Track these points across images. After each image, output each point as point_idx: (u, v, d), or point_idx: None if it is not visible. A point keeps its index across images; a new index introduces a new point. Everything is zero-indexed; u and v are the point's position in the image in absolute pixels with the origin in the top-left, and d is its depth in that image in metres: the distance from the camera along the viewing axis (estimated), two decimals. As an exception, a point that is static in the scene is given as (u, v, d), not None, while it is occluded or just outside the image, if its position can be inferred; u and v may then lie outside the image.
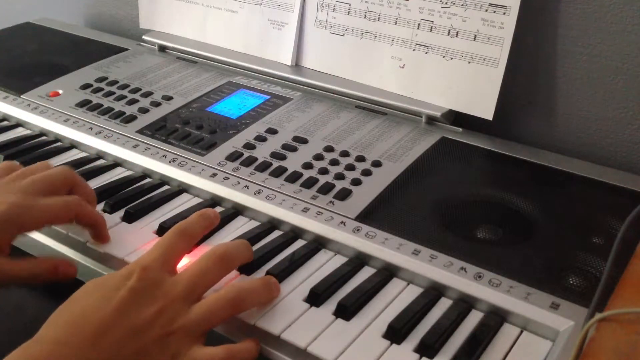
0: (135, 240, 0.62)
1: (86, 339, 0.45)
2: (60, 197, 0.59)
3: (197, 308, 0.49)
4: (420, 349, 0.50)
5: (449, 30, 0.78)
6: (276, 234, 0.64)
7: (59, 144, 0.80)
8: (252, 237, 0.62)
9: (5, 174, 0.61)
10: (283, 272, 0.57)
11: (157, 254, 0.52)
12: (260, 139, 0.76)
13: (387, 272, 0.58)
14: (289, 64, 0.91)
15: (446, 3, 0.77)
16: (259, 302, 0.53)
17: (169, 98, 0.86)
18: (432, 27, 0.79)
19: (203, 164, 0.72)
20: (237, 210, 0.67)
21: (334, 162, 0.71)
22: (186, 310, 0.49)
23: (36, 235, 0.64)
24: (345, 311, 0.53)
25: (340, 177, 0.68)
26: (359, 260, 0.60)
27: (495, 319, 0.53)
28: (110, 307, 0.47)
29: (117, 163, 0.75)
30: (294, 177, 0.68)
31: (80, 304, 0.48)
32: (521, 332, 0.52)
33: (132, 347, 0.46)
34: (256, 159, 0.72)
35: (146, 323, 0.47)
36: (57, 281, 0.58)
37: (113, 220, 0.65)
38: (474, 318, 0.53)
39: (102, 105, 0.84)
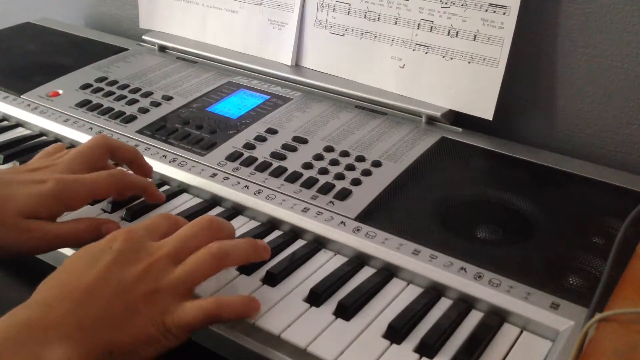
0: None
1: (74, 300, 0.46)
2: (104, 171, 0.61)
3: (181, 266, 0.50)
4: (420, 349, 0.50)
5: (449, 30, 0.78)
6: (276, 234, 0.64)
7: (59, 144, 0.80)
8: (252, 237, 0.62)
9: (47, 154, 0.64)
10: (283, 272, 0.57)
11: (142, 224, 0.54)
12: (260, 139, 0.76)
13: (387, 272, 0.58)
14: (289, 64, 0.91)
15: (446, 3, 0.77)
16: (243, 258, 0.54)
17: (169, 98, 0.86)
18: (432, 27, 0.79)
19: (203, 164, 0.72)
20: (237, 210, 0.67)
21: (334, 162, 0.71)
22: (171, 270, 0.50)
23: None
24: (345, 311, 0.53)
25: (340, 177, 0.68)
26: (359, 260, 0.60)
27: (495, 319, 0.53)
28: (97, 269, 0.48)
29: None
30: (294, 177, 0.68)
31: (67, 269, 0.49)
32: (521, 332, 0.52)
33: (120, 305, 0.47)
34: (256, 159, 0.72)
35: (132, 281, 0.48)
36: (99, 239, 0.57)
37: (113, 220, 0.64)
38: (474, 318, 0.53)
39: (102, 105, 0.84)
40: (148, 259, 0.49)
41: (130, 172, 0.65)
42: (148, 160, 0.73)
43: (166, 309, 0.48)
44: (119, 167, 0.63)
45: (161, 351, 0.48)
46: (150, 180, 0.66)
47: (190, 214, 0.65)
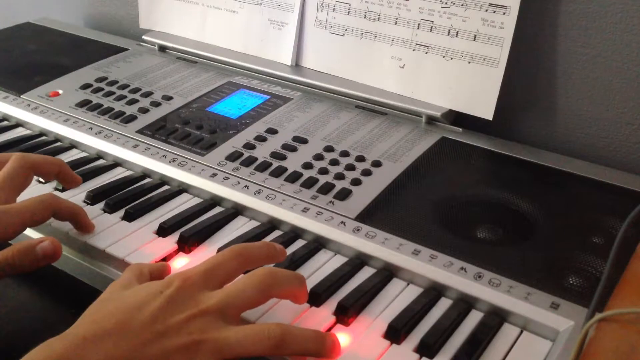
0: (136, 241, 0.62)
1: (110, 335, 0.44)
2: (34, 198, 0.58)
3: (231, 331, 0.46)
4: (420, 349, 0.50)
5: (449, 30, 0.78)
6: (276, 234, 0.64)
7: (59, 144, 0.80)
8: (252, 237, 0.62)
9: None
10: (283, 272, 0.57)
11: (203, 267, 0.50)
12: (260, 139, 0.76)
13: (387, 272, 0.58)
14: (289, 64, 0.91)
15: (446, 3, 0.77)
16: (290, 290, 0.51)
17: (169, 98, 0.86)
18: (432, 27, 0.79)
19: (203, 164, 0.72)
20: (237, 210, 0.67)
21: (334, 162, 0.71)
22: (218, 325, 0.47)
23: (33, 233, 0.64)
24: (345, 311, 0.53)
25: (340, 177, 0.68)
26: (359, 260, 0.60)
27: (495, 319, 0.53)
28: (143, 312, 0.46)
29: (117, 163, 0.75)
30: (294, 177, 0.68)
31: (113, 304, 0.47)
32: (521, 332, 0.52)
33: (155, 350, 0.44)
34: (256, 159, 0.72)
35: (173, 329, 0.45)
36: (40, 263, 0.55)
37: (113, 220, 0.65)
38: (474, 318, 0.53)
39: (102, 105, 0.84)
40: (195, 308, 0.47)
41: (62, 197, 0.62)
42: (148, 159, 0.73)
43: None
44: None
45: None
46: (82, 209, 0.63)
47: (192, 213, 0.65)
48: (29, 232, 0.62)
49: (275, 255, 0.55)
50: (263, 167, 0.70)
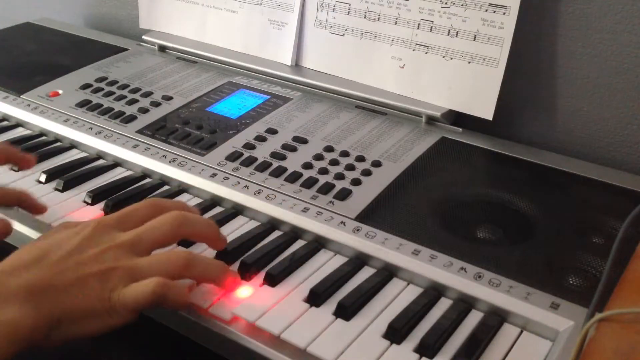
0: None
1: (30, 267, 0.49)
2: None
3: (142, 259, 0.51)
4: (420, 349, 0.50)
5: (449, 30, 0.78)
6: (276, 234, 0.64)
7: (58, 144, 0.80)
8: (252, 237, 0.62)
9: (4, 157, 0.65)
10: (283, 272, 0.57)
11: (118, 212, 0.55)
12: (260, 139, 0.76)
13: (387, 272, 0.58)
14: (289, 64, 0.91)
15: (446, 3, 0.77)
16: (200, 233, 0.56)
17: (169, 98, 0.86)
18: (432, 27, 0.79)
19: (203, 164, 0.72)
20: (237, 210, 0.67)
21: (334, 162, 0.71)
22: (131, 256, 0.51)
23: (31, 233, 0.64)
24: (345, 311, 0.53)
25: (340, 177, 0.68)
26: (359, 260, 0.60)
27: (495, 319, 0.53)
28: (57, 245, 0.51)
29: (117, 163, 0.75)
30: (294, 177, 0.68)
31: (33, 245, 0.52)
32: (521, 332, 0.52)
33: (72, 275, 0.49)
34: (256, 159, 0.72)
35: (89, 260, 0.50)
36: None
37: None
38: (474, 318, 0.53)
39: (102, 105, 0.84)
40: (108, 243, 0.51)
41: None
42: (148, 159, 0.73)
43: (115, 287, 0.49)
44: None
45: (105, 329, 0.49)
46: (27, 193, 0.65)
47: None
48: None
49: (187, 208, 0.59)
50: (263, 167, 0.70)
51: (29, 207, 0.64)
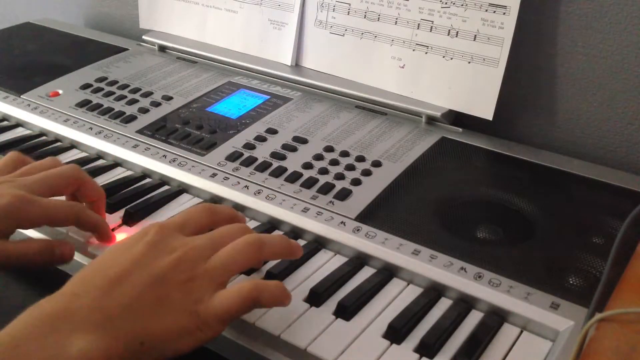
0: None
1: (102, 288, 0.44)
2: (66, 201, 0.59)
3: (217, 254, 0.49)
4: (420, 349, 0.50)
5: (449, 30, 0.78)
6: (276, 234, 0.63)
7: (59, 144, 0.80)
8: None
9: (13, 165, 0.62)
10: (283, 272, 0.57)
11: (177, 218, 0.53)
12: (260, 139, 0.76)
13: (387, 272, 0.58)
14: (289, 64, 0.91)
15: (446, 3, 0.77)
16: (278, 252, 0.53)
17: (169, 98, 0.86)
18: (432, 27, 0.79)
19: (203, 164, 0.72)
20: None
21: (334, 162, 0.71)
22: (206, 258, 0.48)
23: (32, 233, 0.63)
24: (345, 311, 0.53)
25: (340, 177, 0.68)
26: (359, 260, 0.60)
27: (495, 319, 0.53)
28: (128, 259, 0.47)
29: (117, 163, 0.75)
30: (294, 177, 0.68)
31: (98, 262, 0.48)
32: (521, 332, 0.52)
33: (151, 294, 0.45)
34: (256, 159, 0.72)
35: (165, 270, 0.46)
36: (53, 263, 0.57)
37: (113, 220, 0.64)
38: (474, 318, 0.53)
39: (102, 105, 0.84)
40: (182, 248, 0.48)
41: (90, 210, 0.61)
42: (148, 159, 0.73)
43: (201, 298, 0.46)
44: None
45: (197, 344, 0.46)
46: (105, 222, 0.62)
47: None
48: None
49: (240, 218, 0.58)
50: (263, 167, 0.70)
51: (100, 237, 0.61)
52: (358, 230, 0.61)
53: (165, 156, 0.74)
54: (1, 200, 0.54)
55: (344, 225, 0.62)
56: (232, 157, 0.72)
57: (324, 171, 0.69)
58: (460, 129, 0.78)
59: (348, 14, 0.85)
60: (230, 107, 0.83)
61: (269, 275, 0.57)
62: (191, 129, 0.78)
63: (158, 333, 0.44)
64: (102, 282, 0.45)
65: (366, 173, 0.69)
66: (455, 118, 0.80)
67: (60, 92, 0.88)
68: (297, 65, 0.91)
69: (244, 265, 0.50)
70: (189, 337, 0.45)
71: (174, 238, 0.50)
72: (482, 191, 0.67)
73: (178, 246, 0.49)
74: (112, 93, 0.87)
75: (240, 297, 0.47)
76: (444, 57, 0.78)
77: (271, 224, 0.65)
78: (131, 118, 0.81)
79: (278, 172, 0.69)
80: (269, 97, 0.85)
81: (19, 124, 0.84)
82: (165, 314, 0.45)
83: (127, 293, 0.44)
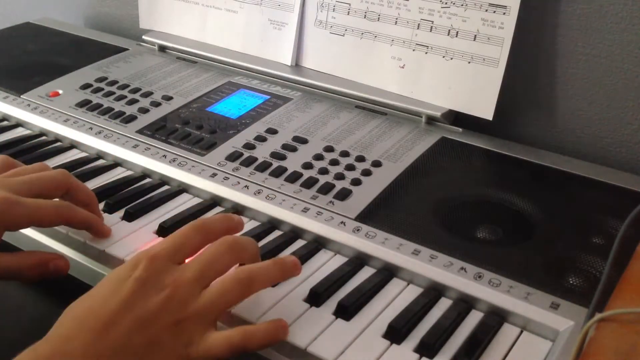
0: (135, 240, 0.62)
1: (92, 332, 0.44)
2: (52, 200, 0.58)
3: (207, 292, 0.48)
4: (420, 349, 0.50)
5: (449, 30, 0.78)
6: (276, 234, 0.64)
7: (59, 144, 0.80)
8: (252, 237, 0.62)
9: (1, 169, 0.61)
10: (283, 272, 0.57)
11: (167, 244, 0.51)
12: (260, 139, 0.76)
13: (387, 272, 0.58)
14: (289, 64, 0.91)
15: (446, 3, 0.77)
16: (270, 281, 0.52)
17: (169, 98, 0.86)
18: (432, 27, 0.79)
19: (203, 164, 0.72)
20: (237, 211, 0.67)
21: (334, 162, 0.71)
22: (196, 296, 0.47)
23: (35, 235, 0.63)
24: (345, 311, 0.53)
25: (340, 177, 0.68)
26: (359, 260, 0.60)
27: (495, 319, 0.53)
28: (117, 299, 0.46)
29: (117, 163, 0.75)
30: (294, 177, 0.68)
31: (90, 298, 0.47)
32: (521, 332, 0.52)
33: (141, 338, 0.45)
34: (256, 159, 0.72)
35: (154, 312, 0.46)
36: (48, 277, 0.56)
37: (113, 220, 0.64)
38: (474, 318, 0.53)
39: (102, 105, 0.84)
40: (171, 286, 0.47)
41: (78, 207, 0.60)
42: (148, 159, 0.73)
43: (190, 340, 0.46)
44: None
45: None
46: (98, 218, 0.62)
47: (192, 214, 0.65)
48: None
49: (234, 227, 0.56)
50: (263, 167, 0.70)
51: (96, 232, 0.61)
52: (358, 230, 0.61)
53: (165, 156, 0.74)
54: None
55: (344, 225, 0.62)
56: (232, 157, 0.72)
57: (324, 171, 0.69)
58: (460, 129, 0.78)
59: (348, 14, 0.85)
60: (230, 107, 0.83)
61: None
62: (191, 129, 0.78)
63: None
64: (93, 324, 0.45)
65: (366, 173, 0.69)
66: (455, 118, 0.80)
67: (60, 92, 0.88)
68: (297, 65, 0.91)
69: (234, 303, 0.50)
70: None
71: (164, 272, 0.48)
72: (482, 191, 0.67)
73: (168, 283, 0.47)
74: (112, 93, 0.87)
75: (227, 344, 0.47)
76: (444, 57, 0.78)
77: (271, 224, 0.65)
78: (131, 118, 0.81)
79: (278, 172, 0.69)
80: (269, 97, 0.85)
81: (19, 124, 0.84)
82: (154, 358, 0.45)
83: (118, 337, 0.44)
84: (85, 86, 0.89)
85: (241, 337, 0.47)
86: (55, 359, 0.43)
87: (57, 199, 0.60)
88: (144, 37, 1.03)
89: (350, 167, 0.70)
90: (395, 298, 0.55)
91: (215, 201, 0.68)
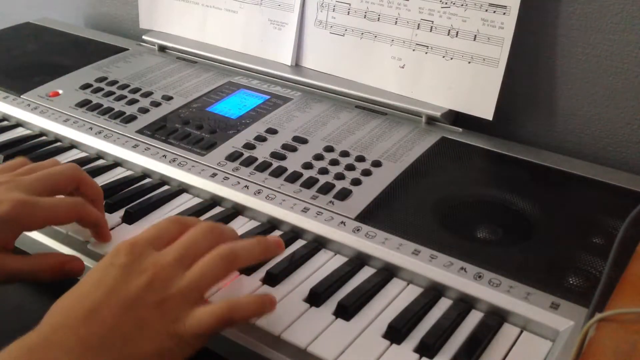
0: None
1: (78, 320, 0.45)
2: (65, 198, 0.59)
3: (190, 272, 0.49)
4: (420, 349, 0.50)
5: (449, 30, 0.78)
6: (276, 234, 0.64)
7: (59, 144, 0.80)
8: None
9: (15, 167, 0.61)
10: (283, 272, 0.57)
11: (147, 232, 0.52)
12: (260, 139, 0.76)
13: (387, 272, 0.58)
14: (289, 64, 0.91)
15: (446, 3, 0.77)
16: (253, 258, 0.53)
17: (169, 98, 0.86)
18: (432, 27, 0.79)
19: (203, 164, 0.72)
20: (237, 210, 0.67)
21: (334, 162, 0.71)
22: (179, 276, 0.48)
23: (35, 235, 0.64)
24: (345, 311, 0.53)
25: (340, 177, 0.68)
26: (359, 260, 0.60)
27: (495, 319, 0.53)
28: (101, 287, 0.47)
29: (117, 163, 0.75)
30: (294, 177, 0.68)
31: (75, 291, 0.48)
32: (521, 332, 0.52)
33: (128, 320, 0.45)
34: (256, 159, 0.72)
35: (139, 293, 0.46)
36: (63, 278, 0.57)
37: (113, 220, 0.64)
38: (474, 318, 0.53)
39: (102, 105, 0.84)
40: (153, 268, 0.48)
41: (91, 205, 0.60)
42: (148, 159, 0.73)
43: (178, 317, 0.46)
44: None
45: None
46: (105, 220, 0.62)
47: (192, 213, 0.65)
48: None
49: (216, 231, 0.55)
50: (263, 167, 0.70)
51: (100, 234, 0.61)
52: (358, 230, 0.61)
53: (165, 156, 0.74)
54: (1, 207, 0.54)
55: (344, 225, 0.62)
56: (232, 157, 0.72)
57: (324, 171, 0.69)
58: (460, 129, 0.78)
59: (348, 14, 0.85)
60: (230, 107, 0.83)
61: (269, 275, 0.57)
62: (191, 129, 0.78)
63: (138, 357, 0.45)
64: (80, 312, 0.45)
65: (366, 173, 0.69)
66: (455, 118, 0.80)
67: (60, 92, 0.88)
68: (297, 65, 0.91)
69: (217, 279, 0.50)
70: (170, 356, 0.46)
71: (145, 256, 0.49)
72: (482, 191, 0.67)
73: (149, 265, 0.48)
74: (112, 93, 0.87)
75: (214, 317, 0.47)
76: (444, 57, 0.78)
77: (271, 224, 0.65)
78: (131, 118, 0.81)
79: (278, 172, 0.69)
80: (269, 97, 0.85)
81: (19, 124, 0.84)
82: (144, 338, 0.45)
83: (105, 322, 0.45)
84: (85, 86, 0.89)
85: (227, 309, 0.48)
86: (43, 348, 0.44)
87: (69, 196, 0.60)
88: (144, 37, 1.03)
89: (350, 167, 0.70)
90: (395, 298, 0.55)
91: (215, 201, 0.68)
